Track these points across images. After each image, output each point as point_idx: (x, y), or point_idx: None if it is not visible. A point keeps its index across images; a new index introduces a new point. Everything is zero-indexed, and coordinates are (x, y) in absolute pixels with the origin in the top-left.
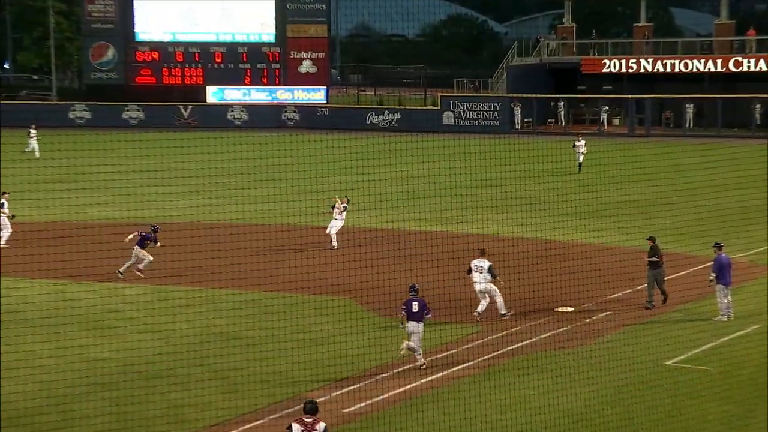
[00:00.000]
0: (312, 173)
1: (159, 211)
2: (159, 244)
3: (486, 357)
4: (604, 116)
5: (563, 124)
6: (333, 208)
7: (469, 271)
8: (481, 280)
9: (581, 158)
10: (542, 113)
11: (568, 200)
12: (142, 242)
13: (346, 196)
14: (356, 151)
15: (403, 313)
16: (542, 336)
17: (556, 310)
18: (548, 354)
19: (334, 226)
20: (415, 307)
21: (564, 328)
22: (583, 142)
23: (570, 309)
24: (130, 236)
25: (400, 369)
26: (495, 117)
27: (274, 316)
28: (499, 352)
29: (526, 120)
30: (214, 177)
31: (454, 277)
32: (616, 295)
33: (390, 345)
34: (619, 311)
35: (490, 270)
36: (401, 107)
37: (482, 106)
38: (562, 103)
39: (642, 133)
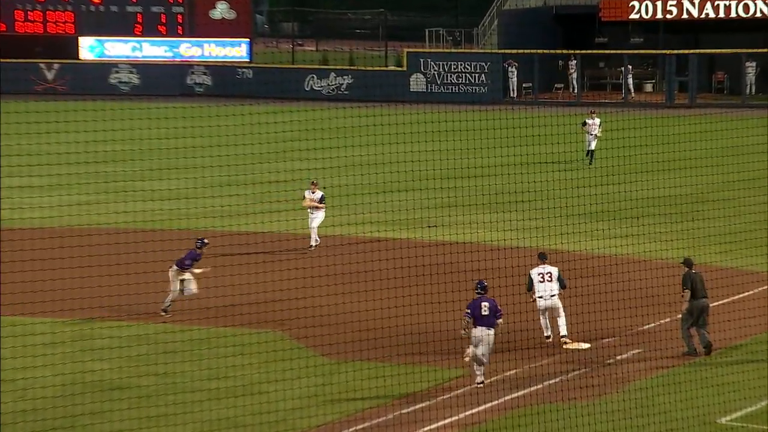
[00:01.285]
0: (230, 160)
1: (8, 212)
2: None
3: (472, 411)
4: (631, 80)
5: (576, 90)
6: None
7: (530, 286)
8: (548, 293)
9: (593, 143)
10: (547, 76)
11: (581, 196)
12: (188, 263)
13: (313, 180)
14: (291, 129)
15: (468, 318)
16: (548, 383)
17: (566, 346)
18: (556, 408)
19: (317, 217)
20: (485, 309)
21: (577, 372)
22: (597, 122)
23: (585, 345)
24: (174, 268)
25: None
26: (482, 81)
27: (175, 356)
28: (489, 405)
29: (524, 86)
30: (91, 165)
31: (423, 302)
32: (648, 326)
33: (339, 394)
34: (653, 348)
35: (560, 279)
36: (353, 68)
37: (464, 67)
38: (575, 61)
39: (684, 103)
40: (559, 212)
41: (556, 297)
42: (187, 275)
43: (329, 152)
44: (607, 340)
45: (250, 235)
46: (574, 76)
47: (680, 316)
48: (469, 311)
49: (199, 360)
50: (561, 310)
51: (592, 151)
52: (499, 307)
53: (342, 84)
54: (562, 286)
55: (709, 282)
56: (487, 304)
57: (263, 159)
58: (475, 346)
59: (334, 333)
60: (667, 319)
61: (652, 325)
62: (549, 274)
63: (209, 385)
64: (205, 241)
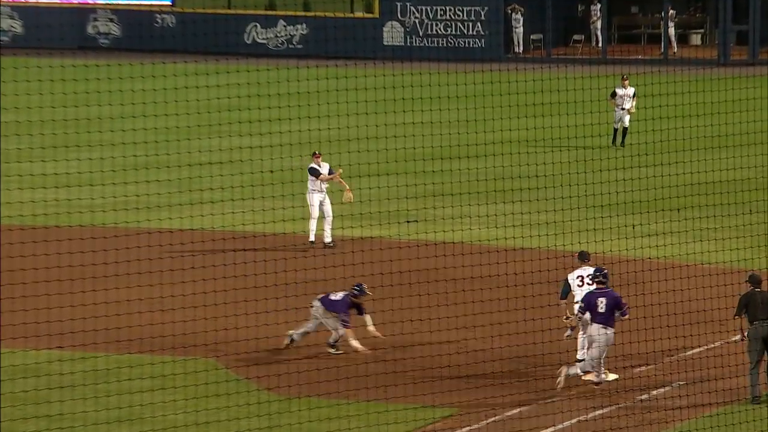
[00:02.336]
0: (146, 135)
1: None
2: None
3: None
4: (673, 30)
5: (600, 43)
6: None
7: (566, 292)
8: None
9: (625, 120)
10: (563, 25)
11: (606, 182)
12: (345, 319)
13: (316, 151)
14: (227, 96)
15: (580, 314)
16: (562, 426)
17: (586, 377)
18: None
19: (327, 202)
20: (602, 305)
21: (601, 411)
22: (630, 92)
23: (612, 376)
24: (316, 304)
25: None
26: (477, 32)
27: (73, 392)
28: None
29: (533, 38)
30: None
31: (397, 319)
32: (693, 351)
33: None
34: (699, 380)
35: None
36: (308, 15)
37: (454, 13)
38: (599, 5)
39: (743, 60)
40: (578, 203)
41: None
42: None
43: (277, 125)
44: (639, 369)
45: (173, 234)
46: (598, 25)
47: (742, 342)
48: (583, 305)
49: (106, 397)
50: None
51: (625, 128)
52: (623, 302)
53: (294, 35)
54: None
55: None
56: (604, 299)
57: (191, 134)
58: (586, 348)
59: (282, 361)
60: (718, 343)
61: (699, 349)
62: (590, 276)
63: (119, 430)
64: (365, 289)
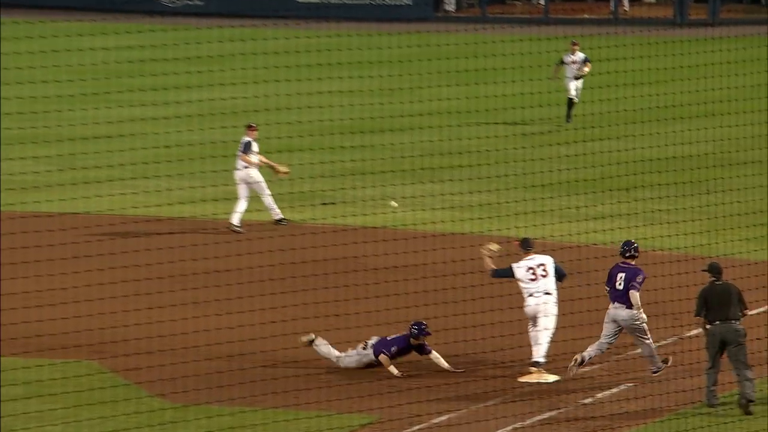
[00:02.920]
0: (20, 105)
1: None
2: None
3: None
4: None
5: (541, 1)
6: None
7: (503, 275)
8: (542, 290)
9: (573, 91)
10: None
11: (548, 158)
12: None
13: (252, 124)
14: (115, 61)
15: (608, 290)
16: None
17: (521, 379)
18: None
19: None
20: (620, 281)
21: (539, 417)
22: (579, 58)
23: (551, 378)
24: (368, 350)
25: None
26: None
27: None
28: None
29: None
30: None
31: (308, 315)
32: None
33: None
34: (648, 382)
35: (558, 271)
36: None
37: None
38: None
39: (702, 20)
40: (516, 182)
41: (553, 298)
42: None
43: (174, 94)
44: (583, 369)
45: (52, 218)
46: None
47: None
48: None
49: None
50: (553, 319)
51: (573, 101)
52: (638, 278)
53: None
54: (560, 277)
55: (739, 283)
56: (624, 275)
57: (73, 103)
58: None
59: (178, 362)
60: (671, 339)
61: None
62: (542, 267)
63: None
64: (426, 329)
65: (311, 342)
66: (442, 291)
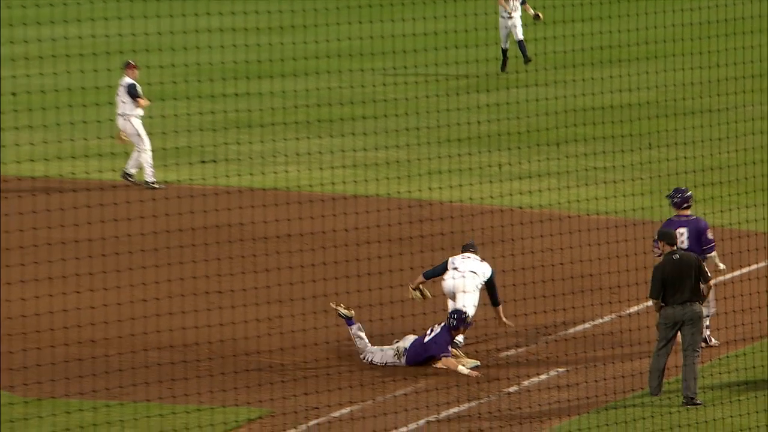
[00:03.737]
0: None
1: None
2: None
3: None
4: None
5: None
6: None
7: (435, 274)
8: (468, 267)
9: (518, 29)
10: None
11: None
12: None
13: (130, 62)
14: None
15: (656, 249)
16: (408, 428)
17: (436, 365)
18: None
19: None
20: (683, 238)
21: (458, 408)
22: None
23: (471, 363)
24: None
25: None
26: None
27: None
28: None
29: None
30: None
31: (183, 292)
32: (577, 328)
33: None
34: (587, 365)
35: (490, 282)
36: None
37: None
38: None
39: None
40: (428, 136)
41: (478, 277)
42: None
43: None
44: (508, 352)
45: None
46: None
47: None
48: (656, 237)
49: None
50: (475, 296)
51: (521, 42)
52: (709, 235)
53: None
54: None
55: None
56: (685, 230)
57: None
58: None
59: (30, 349)
60: (609, 317)
61: (585, 325)
62: (470, 275)
63: None
64: (468, 318)
65: (347, 318)
66: (344, 263)
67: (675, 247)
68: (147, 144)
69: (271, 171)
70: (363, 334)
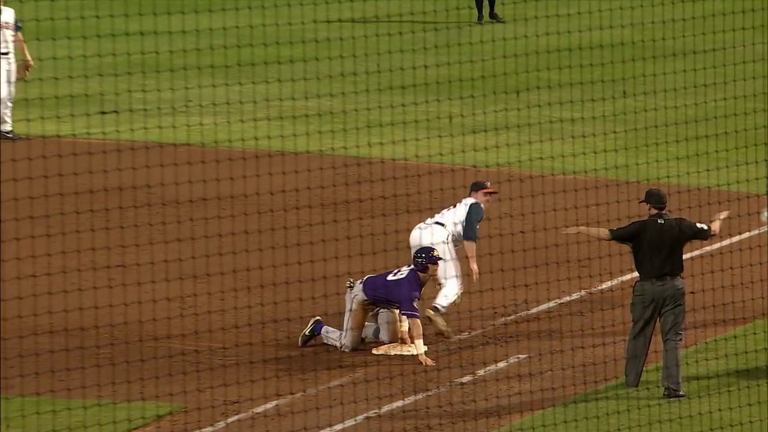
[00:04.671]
0: None
1: None
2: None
3: None
4: None
5: None
6: None
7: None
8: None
9: None
10: None
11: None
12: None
13: None
14: None
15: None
16: (344, 425)
17: (377, 351)
18: None
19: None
20: None
21: (403, 401)
22: None
23: (421, 348)
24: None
25: None
26: None
27: None
28: None
29: None
30: None
31: (93, 265)
32: (539, 308)
33: None
34: (546, 353)
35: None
36: None
37: None
38: None
39: None
40: (368, 82)
41: (445, 233)
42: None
43: None
44: (460, 336)
45: None
46: None
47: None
48: None
49: None
50: (452, 269)
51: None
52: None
53: None
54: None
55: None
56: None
57: None
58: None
59: None
60: (577, 294)
61: (548, 305)
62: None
63: None
64: (436, 254)
65: (317, 324)
66: (269, 232)
67: (663, 212)
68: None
69: (183, 124)
70: (330, 330)
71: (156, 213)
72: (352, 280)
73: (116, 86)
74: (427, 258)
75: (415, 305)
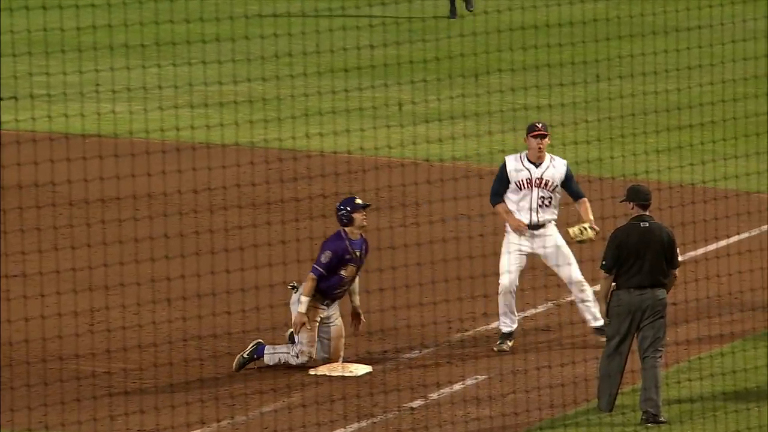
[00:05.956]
0: None
1: None
2: None
3: None
4: None
5: None
6: None
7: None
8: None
9: None
10: None
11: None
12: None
13: None
14: None
15: None
16: None
17: (315, 371)
18: None
19: None
20: None
21: (345, 429)
22: None
23: (363, 369)
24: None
25: None
26: None
27: None
28: None
29: None
30: None
31: None
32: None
33: None
34: (508, 373)
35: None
36: None
37: None
38: None
39: None
40: (304, 64)
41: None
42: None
43: None
44: (410, 354)
45: None
46: None
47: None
48: None
49: None
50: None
51: None
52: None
53: None
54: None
55: None
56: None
57: None
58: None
59: None
60: (546, 305)
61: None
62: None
63: None
64: (355, 198)
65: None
66: (192, 236)
67: (647, 212)
68: None
69: (93, 111)
70: (277, 347)
71: (62, 214)
72: (294, 283)
73: (15, 68)
74: (352, 207)
75: (322, 261)
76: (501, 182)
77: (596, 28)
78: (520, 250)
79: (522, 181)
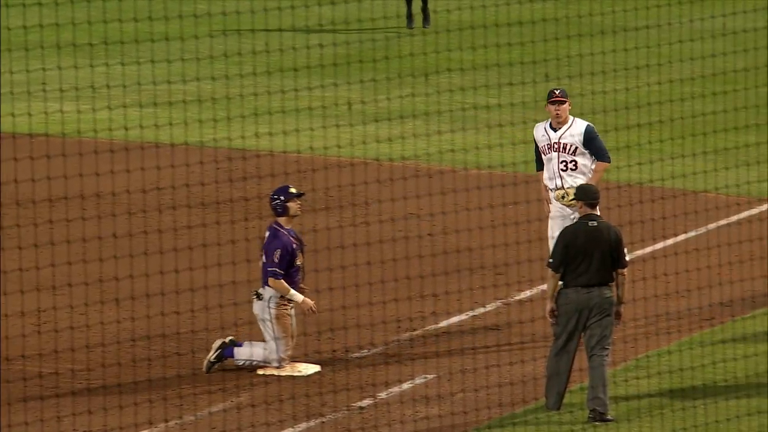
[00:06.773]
0: None
1: None
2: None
3: None
4: None
5: None
6: None
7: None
8: None
9: None
10: None
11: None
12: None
13: None
14: None
15: None
16: None
17: (263, 371)
18: None
19: None
20: None
21: (293, 429)
22: None
23: (313, 368)
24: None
25: None
26: None
27: None
28: None
29: None
30: None
31: None
32: (451, 320)
33: None
34: (458, 372)
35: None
36: None
37: None
38: None
39: None
40: (253, 63)
41: None
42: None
43: None
44: (359, 353)
45: None
46: None
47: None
48: None
49: None
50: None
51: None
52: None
53: None
54: None
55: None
56: None
57: None
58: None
59: None
60: (495, 304)
61: (460, 317)
62: None
63: None
64: (294, 191)
65: (233, 344)
66: (140, 236)
67: (596, 211)
68: None
69: (40, 111)
70: (255, 344)
71: (8, 214)
72: (256, 290)
73: None
74: (285, 196)
75: (276, 261)
76: (535, 150)
77: (545, 27)
78: (563, 216)
79: (544, 146)
